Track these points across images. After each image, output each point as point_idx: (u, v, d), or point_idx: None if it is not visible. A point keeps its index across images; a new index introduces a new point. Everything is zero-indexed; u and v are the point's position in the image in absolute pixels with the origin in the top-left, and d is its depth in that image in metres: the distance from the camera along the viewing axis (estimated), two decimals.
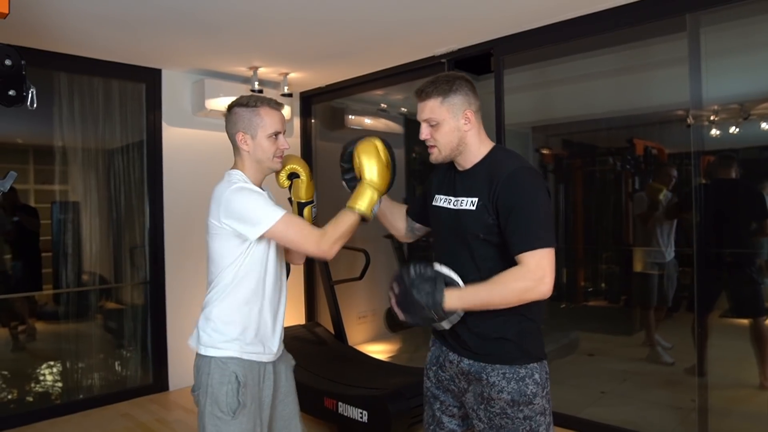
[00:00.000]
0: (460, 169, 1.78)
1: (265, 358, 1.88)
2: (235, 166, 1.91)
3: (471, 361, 1.71)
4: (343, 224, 1.79)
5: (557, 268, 1.59)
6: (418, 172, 6.14)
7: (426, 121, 1.72)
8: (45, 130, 3.96)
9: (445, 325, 1.66)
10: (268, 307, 1.88)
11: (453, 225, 1.75)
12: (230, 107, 1.91)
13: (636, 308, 5.05)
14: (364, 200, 1.80)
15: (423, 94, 1.71)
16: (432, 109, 1.69)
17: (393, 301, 1.67)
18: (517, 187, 1.61)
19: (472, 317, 1.66)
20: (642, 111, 4.50)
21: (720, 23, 3.07)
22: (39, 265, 4.19)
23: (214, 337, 1.82)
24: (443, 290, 1.59)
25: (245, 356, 1.82)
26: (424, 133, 1.73)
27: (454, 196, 1.76)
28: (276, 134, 1.87)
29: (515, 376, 1.65)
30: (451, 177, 1.82)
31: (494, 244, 1.65)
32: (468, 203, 1.70)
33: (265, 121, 1.85)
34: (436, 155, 1.75)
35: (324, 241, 1.78)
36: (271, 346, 1.90)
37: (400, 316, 1.65)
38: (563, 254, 5.20)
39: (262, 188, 1.93)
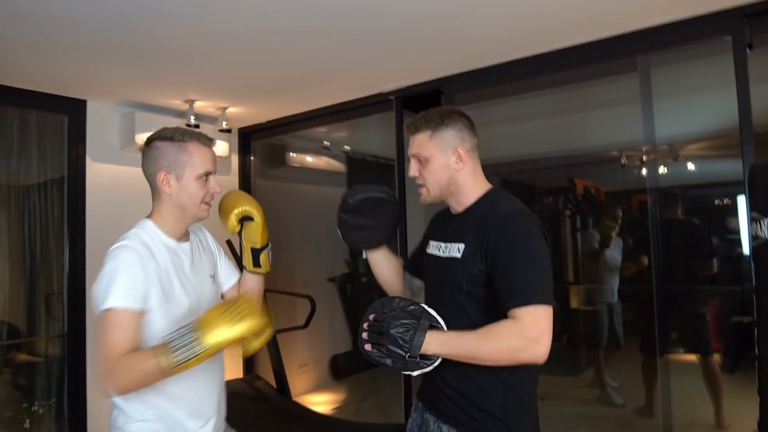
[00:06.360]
0: (452, 212, 1.64)
1: None
2: (151, 214, 1.62)
3: (451, 428, 1.50)
4: (138, 371, 1.37)
5: None
6: None
7: (415, 156, 1.59)
8: None
9: (415, 372, 1.41)
10: (180, 383, 1.55)
11: (438, 274, 1.58)
12: (150, 140, 1.61)
13: (582, 347, 5.02)
14: (182, 353, 1.39)
15: (412, 128, 1.59)
16: (420, 143, 1.57)
17: (364, 334, 1.39)
18: (510, 232, 1.43)
19: (451, 378, 1.48)
20: (588, 150, 4.56)
21: (670, 64, 3.11)
22: None
23: (115, 417, 1.55)
24: (426, 329, 1.34)
25: None
26: (413, 169, 1.60)
27: (444, 242, 1.59)
28: (206, 175, 1.59)
29: None
30: (444, 222, 1.67)
31: (481, 299, 1.45)
32: (455, 250, 1.52)
33: (194, 159, 1.58)
34: (425, 195, 1.61)
35: (111, 377, 1.40)
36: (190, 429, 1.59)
37: (367, 349, 1.38)
38: None
39: (200, 235, 1.68)
